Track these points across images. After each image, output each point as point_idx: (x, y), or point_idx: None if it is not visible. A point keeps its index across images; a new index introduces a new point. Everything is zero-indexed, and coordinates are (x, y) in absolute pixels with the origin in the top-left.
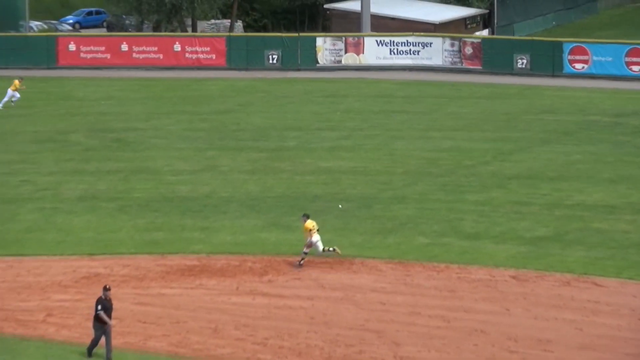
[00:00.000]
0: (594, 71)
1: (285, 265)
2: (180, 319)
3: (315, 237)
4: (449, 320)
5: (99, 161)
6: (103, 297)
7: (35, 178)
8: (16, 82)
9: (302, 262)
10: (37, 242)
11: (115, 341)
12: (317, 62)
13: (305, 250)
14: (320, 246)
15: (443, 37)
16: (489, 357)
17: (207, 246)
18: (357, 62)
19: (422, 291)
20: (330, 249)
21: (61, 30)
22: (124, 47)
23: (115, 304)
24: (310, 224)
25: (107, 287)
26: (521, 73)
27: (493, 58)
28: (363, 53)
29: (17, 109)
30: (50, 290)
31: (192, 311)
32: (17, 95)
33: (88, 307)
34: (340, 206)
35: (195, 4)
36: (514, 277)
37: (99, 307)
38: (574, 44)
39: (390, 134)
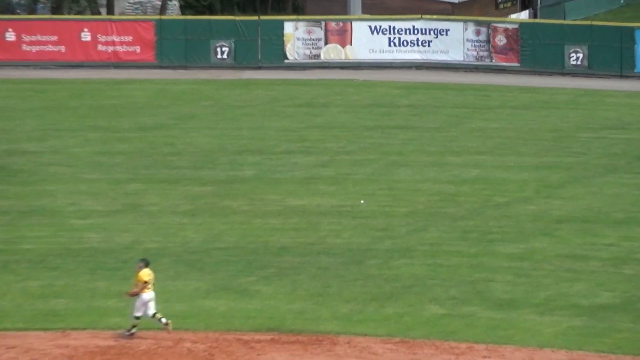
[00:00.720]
0: None
1: (240, 345)
2: None
3: (149, 295)
4: None
5: None
6: None
7: None
8: None
9: (133, 330)
10: None
11: None
12: (286, 58)
13: (136, 313)
14: (152, 310)
15: (465, 21)
16: None
17: (127, 319)
18: (343, 56)
19: None
20: (162, 320)
21: None
22: (10, 35)
23: None
24: (146, 274)
25: None
26: (575, 72)
27: (536, 51)
28: (351, 44)
29: None
30: None
31: None
32: None
33: None
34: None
35: None
36: None
37: None
38: None
39: (389, 159)
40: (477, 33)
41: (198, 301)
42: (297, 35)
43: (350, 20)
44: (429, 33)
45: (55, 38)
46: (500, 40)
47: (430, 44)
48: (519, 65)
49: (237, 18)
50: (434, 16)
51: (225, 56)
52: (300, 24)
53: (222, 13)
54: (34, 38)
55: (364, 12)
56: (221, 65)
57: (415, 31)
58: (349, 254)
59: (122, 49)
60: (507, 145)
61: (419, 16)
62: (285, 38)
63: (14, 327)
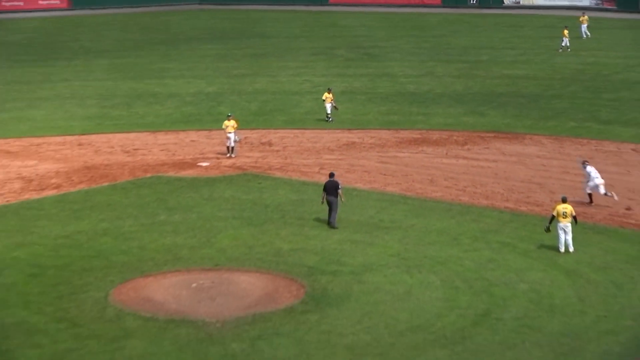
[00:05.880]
0: None
1: (479, 139)
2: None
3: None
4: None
5: (355, 68)
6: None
7: (312, 79)
8: None
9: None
10: (313, 121)
11: (363, 186)
12: (503, 2)
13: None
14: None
15: None
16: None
17: (426, 125)
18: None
19: (571, 157)
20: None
21: None
22: None
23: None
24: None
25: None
26: None
27: None
28: None
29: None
30: (322, 152)
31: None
32: None
33: (346, 164)
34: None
35: None
36: (634, 150)
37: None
38: None
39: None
40: None
41: (460, 118)
42: None
43: None
44: None
45: None
46: None
47: None
48: None
49: None
50: None
51: (474, 1)
52: None
53: None
54: None
55: None
56: (472, 7)
57: None
58: (531, 97)
59: None
60: None
61: None
62: None
63: (374, 127)
